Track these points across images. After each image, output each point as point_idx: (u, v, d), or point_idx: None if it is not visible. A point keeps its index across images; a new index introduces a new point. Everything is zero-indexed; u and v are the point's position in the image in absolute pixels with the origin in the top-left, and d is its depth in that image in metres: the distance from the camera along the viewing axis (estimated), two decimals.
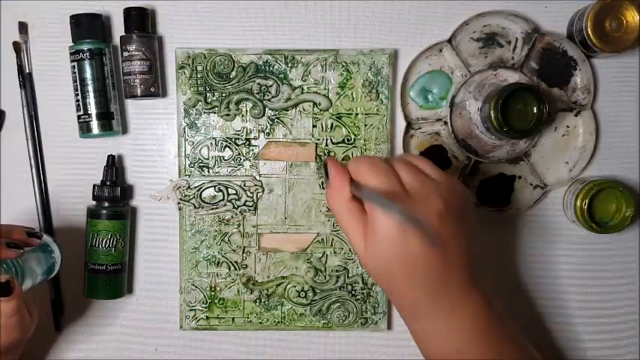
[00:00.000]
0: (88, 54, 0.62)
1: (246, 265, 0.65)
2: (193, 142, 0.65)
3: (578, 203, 0.63)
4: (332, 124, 0.65)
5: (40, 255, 0.57)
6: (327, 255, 0.65)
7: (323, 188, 0.65)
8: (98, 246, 0.62)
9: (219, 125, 0.65)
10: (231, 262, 0.65)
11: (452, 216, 0.49)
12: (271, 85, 0.64)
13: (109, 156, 0.64)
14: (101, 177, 0.64)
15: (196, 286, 0.65)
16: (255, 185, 0.65)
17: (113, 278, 0.63)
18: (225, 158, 0.65)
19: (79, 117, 0.64)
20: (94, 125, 0.63)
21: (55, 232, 0.66)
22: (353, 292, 0.65)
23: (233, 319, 0.65)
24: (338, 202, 0.50)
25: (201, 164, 0.65)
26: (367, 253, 0.50)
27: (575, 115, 0.66)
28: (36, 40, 0.66)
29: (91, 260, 0.63)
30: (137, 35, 0.63)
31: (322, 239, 0.65)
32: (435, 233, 0.48)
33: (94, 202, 0.64)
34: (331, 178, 0.51)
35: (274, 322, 0.65)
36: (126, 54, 0.63)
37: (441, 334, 0.51)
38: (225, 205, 0.65)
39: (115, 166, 0.64)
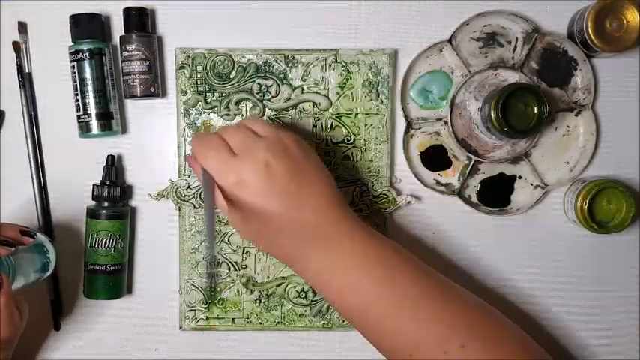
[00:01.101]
0: (87, 54, 0.62)
1: (246, 266, 0.65)
2: None
3: (579, 203, 0.63)
4: (332, 124, 0.65)
5: (34, 254, 0.57)
6: None
7: None
8: (98, 246, 0.62)
9: (219, 125, 0.65)
10: (230, 262, 0.65)
11: (283, 162, 0.52)
12: (271, 85, 0.64)
13: (108, 156, 0.64)
14: (101, 177, 0.64)
15: (196, 287, 0.65)
16: None
17: (113, 278, 0.63)
18: None
19: (78, 117, 0.64)
20: (94, 125, 0.63)
21: (55, 232, 0.66)
22: None
23: (233, 319, 0.65)
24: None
25: None
26: (233, 222, 0.53)
27: (576, 115, 0.66)
28: (36, 40, 0.66)
29: (91, 260, 0.63)
30: (137, 35, 0.63)
31: None
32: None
33: (94, 202, 0.64)
34: (192, 167, 0.56)
35: (274, 322, 0.65)
36: (125, 54, 0.63)
37: (331, 269, 0.53)
38: None
39: (114, 166, 0.64)
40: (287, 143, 0.53)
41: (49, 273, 0.59)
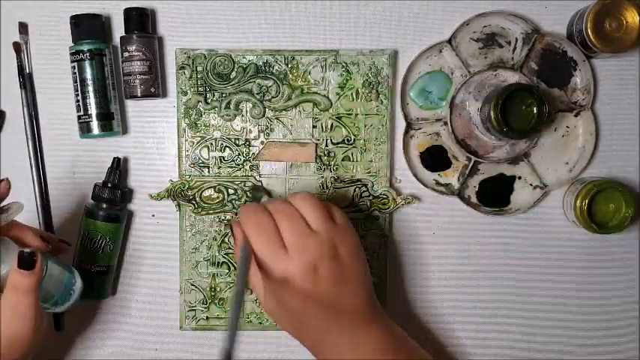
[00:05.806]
0: (88, 54, 0.62)
1: None
2: (193, 142, 0.65)
3: (578, 203, 0.63)
4: (332, 125, 0.65)
5: (65, 272, 0.56)
6: None
7: (324, 188, 0.65)
8: (87, 245, 0.62)
9: (219, 125, 0.65)
10: (231, 262, 0.65)
11: (330, 265, 0.53)
12: (271, 86, 0.64)
13: (114, 158, 0.64)
14: (101, 178, 0.64)
15: (196, 287, 0.65)
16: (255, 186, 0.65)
17: (96, 279, 0.63)
18: (225, 158, 0.65)
19: (79, 117, 0.64)
20: (94, 126, 0.63)
21: (55, 233, 0.66)
22: None
23: None
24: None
25: (201, 164, 0.65)
26: (265, 302, 0.54)
27: (575, 116, 0.66)
28: (36, 40, 0.66)
29: (79, 258, 0.63)
30: (137, 35, 0.63)
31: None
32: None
33: (92, 202, 0.64)
34: (236, 235, 0.56)
35: (274, 322, 0.65)
36: (126, 54, 0.63)
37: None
38: (225, 205, 0.65)
39: (119, 169, 0.64)
40: (337, 242, 0.54)
41: (68, 304, 0.57)
